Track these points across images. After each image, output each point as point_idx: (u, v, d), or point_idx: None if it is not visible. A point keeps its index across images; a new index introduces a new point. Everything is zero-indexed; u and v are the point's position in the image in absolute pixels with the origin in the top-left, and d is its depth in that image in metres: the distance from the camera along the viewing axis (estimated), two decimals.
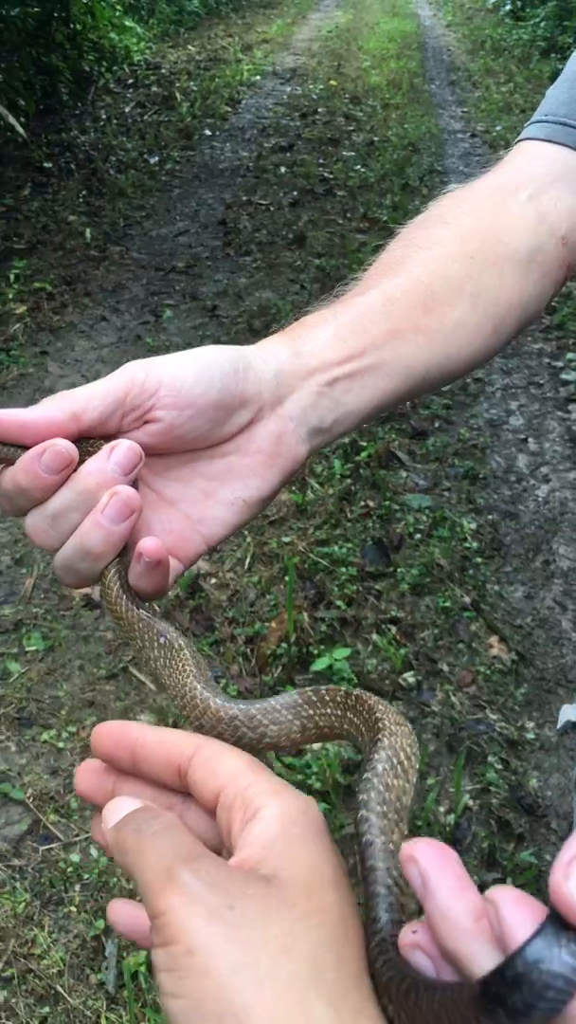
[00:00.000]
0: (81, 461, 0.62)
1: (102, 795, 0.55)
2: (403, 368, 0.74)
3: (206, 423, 0.66)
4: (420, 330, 0.75)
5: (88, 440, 0.63)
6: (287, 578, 2.84)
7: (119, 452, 0.61)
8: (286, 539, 3.09)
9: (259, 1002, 0.37)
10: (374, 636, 2.70)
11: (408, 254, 0.80)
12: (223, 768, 0.49)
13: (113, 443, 0.61)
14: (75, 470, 0.61)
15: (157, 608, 0.64)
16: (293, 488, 3.34)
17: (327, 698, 0.57)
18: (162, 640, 0.61)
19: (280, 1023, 0.37)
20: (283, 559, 2.98)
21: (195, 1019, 0.38)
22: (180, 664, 0.60)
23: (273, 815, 0.45)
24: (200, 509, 0.68)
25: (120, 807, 0.49)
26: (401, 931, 0.40)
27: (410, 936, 0.39)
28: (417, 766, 0.50)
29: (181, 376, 0.64)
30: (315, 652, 2.61)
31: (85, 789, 0.56)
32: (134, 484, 0.62)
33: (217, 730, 0.57)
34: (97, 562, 0.62)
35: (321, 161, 7.06)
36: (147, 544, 0.60)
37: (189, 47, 11.14)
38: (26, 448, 0.61)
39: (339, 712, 0.56)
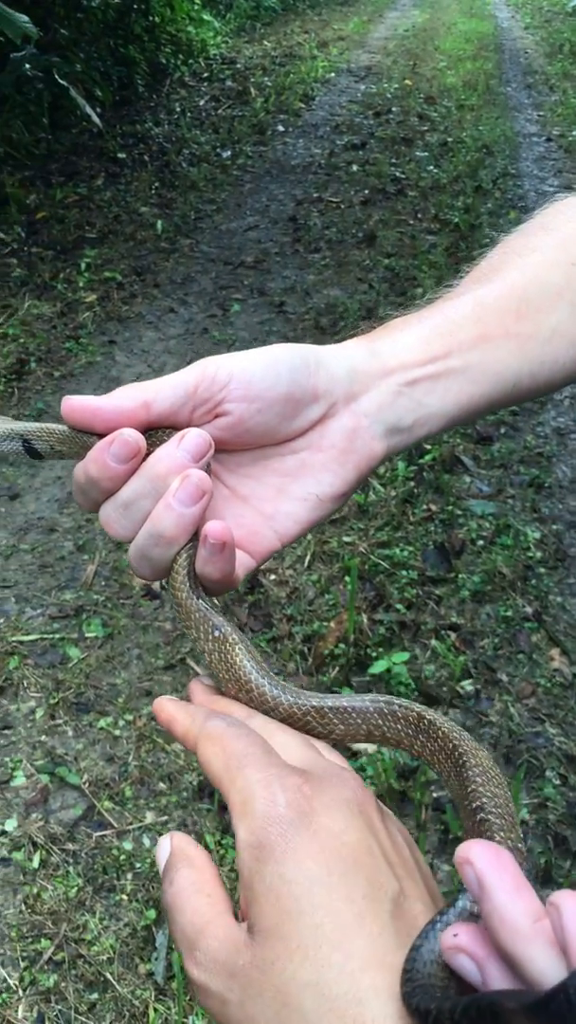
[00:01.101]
0: (151, 451, 0.62)
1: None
2: (492, 374, 0.72)
3: (275, 417, 0.65)
4: (511, 336, 0.72)
5: (158, 431, 0.64)
6: (347, 578, 2.82)
7: (189, 439, 0.61)
8: (347, 539, 3.07)
9: None
10: (433, 642, 2.67)
11: (505, 260, 0.78)
12: (213, 775, 0.51)
13: (183, 431, 0.61)
14: (144, 460, 0.62)
15: (217, 602, 0.64)
16: None
17: (399, 714, 0.58)
18: (216, 633, 0.61)
19: None
20: (343, 559, 2.96)
21: None
22: (234, 658, 0.60)
23: (242, 843, 0.46)
24: (273, 505, 0.68)
25: (162, 849, 0.51)
26: (442, 934, 0.40)
27: (451, 939, 0.39)
28: (505, 781, 0.52)
29: (251, 369, 0.64)
30: (373, 655, 2.59)
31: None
32: (205, 471, 0.62)
33: (287, 724, 0.58)
34: (170, 547, 0.61)
35: (393, 160, 7.02)
36: (212, 527, 0.59)
37: (265, 42, 11.15)
38: (98, 436, 0.63)
39: (410, 731, 0.58)
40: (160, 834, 2.11)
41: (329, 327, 4.43)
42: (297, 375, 0.65)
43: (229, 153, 7.14)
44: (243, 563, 0.66)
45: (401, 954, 0.41)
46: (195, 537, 0.62)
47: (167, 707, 0.58)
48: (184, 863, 0.49)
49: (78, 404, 0.62)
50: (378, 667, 2.53)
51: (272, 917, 0.43)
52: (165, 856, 0.51)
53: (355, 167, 6.86)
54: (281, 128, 7.88)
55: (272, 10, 12.84)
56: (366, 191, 6.34)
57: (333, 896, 0.43)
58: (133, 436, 0.61)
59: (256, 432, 0.66)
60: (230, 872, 1.94)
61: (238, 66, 9.78)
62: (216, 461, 0.67)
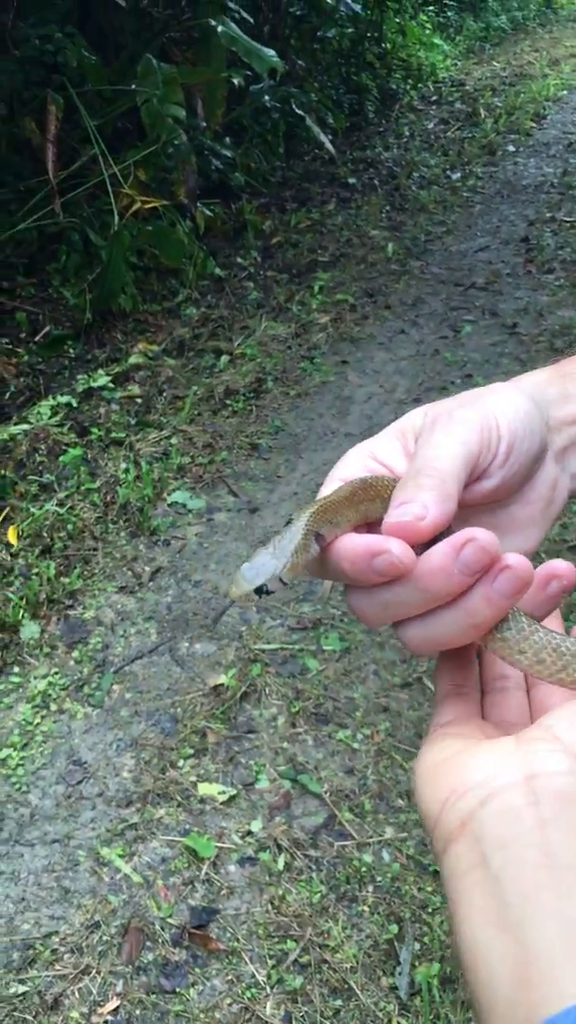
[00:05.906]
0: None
1: None
2: None
3: (520, 479, 0.59)
4: None
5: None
6: None
7: (472, 555, 0.49)
8: None
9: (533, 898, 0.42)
10: None
11: None
12: None
13: (463, 537, 0.49)
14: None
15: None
16: None
17: None
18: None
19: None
20: None
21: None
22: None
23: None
24: None
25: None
26: None
27: None
28: None
29: (516, 431, 0.57)
30: None
31: None
32: None
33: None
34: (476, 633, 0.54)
35: None
36: (559, 567, 0.55)
37: (494, 63, 11.07)
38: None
39: None
40: (400, 851, 2.13)
41: (564, 348, 4.33)
42: (542, 434, 0.59)
43: (459, 175, 7.14)
44: None
45: None
46: None
47: None
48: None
49: (409, 527, 0.51)
50: None
51: None
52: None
53: None
54: (511, 148, 7.80)
55: (501, 30, 12.74)
56: None
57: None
58: (405, 560, 0.50)
59: (497, 494, 0.58)
60: None
61: (467, 88, 9.76)
62: None
